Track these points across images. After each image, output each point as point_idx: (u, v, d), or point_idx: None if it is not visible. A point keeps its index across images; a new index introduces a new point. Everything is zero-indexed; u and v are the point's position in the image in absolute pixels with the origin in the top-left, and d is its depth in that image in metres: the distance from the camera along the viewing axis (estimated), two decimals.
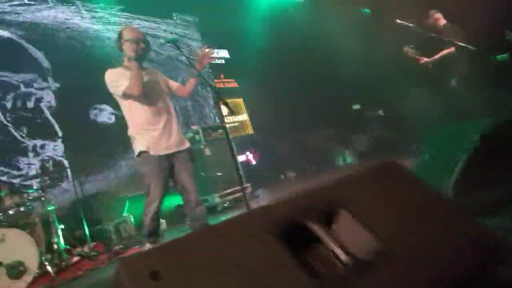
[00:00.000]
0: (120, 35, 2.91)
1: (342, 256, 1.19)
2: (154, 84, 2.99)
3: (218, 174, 5.66)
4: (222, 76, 9.21)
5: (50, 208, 4.47)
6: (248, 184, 5.92)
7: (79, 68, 6.13)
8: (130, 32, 2.90)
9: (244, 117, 9.33)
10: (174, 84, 3.22)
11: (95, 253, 4.58)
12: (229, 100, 8.59)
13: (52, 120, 6.12)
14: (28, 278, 3.64)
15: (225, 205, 5.64)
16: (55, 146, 5.97)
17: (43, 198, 4.42)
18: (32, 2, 6.52)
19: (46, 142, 5.96)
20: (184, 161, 2.99)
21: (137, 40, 2.86)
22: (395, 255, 1.15)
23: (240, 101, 9.32)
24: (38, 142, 5.91)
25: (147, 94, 2.88)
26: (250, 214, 1.33)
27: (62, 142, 5.81)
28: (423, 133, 3.79)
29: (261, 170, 8.57)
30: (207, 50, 3.10)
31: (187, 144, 3.08)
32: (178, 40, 3.14)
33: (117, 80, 2.83)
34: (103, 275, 3.72)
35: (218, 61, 9.35)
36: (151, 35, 7.97)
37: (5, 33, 6.06)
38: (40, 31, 6.48)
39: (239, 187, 4.36)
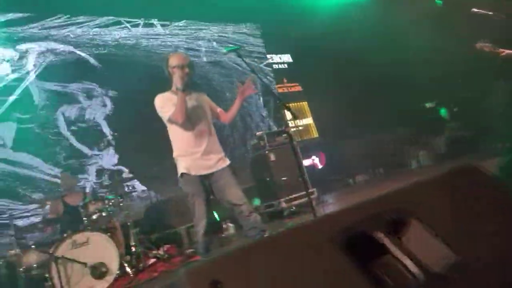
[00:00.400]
0: (166, 61, 3.09)
1: (413, 269, 1.10)
2: (198, 109, 3.11)
3: (283, 179, 5.64)
4: (285, 80, 9.21)
5: (128, 213, 4.78)
6: (314, 189, 5.82)
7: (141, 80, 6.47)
8: (175, 59, 3.06)
9: (308, 120, 9.23)
10: (217, 109, 3.30)
11: (169, 256, 4.80)
12: (292, 104, 8.69)
13: (108, 131, 6.56)
14: (110, 278, 3.91)
15: (291, 210, 5.60)
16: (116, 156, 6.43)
17: (121, 204, 4.74)
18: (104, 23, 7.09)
19: (110, 152, 6.44)
20: (226, 176, 3.06)
21: (182, 66, 3.02)
22: (471, 269, 1.04)
23: (304, 104, 9.24)
24: (108, 152, 6.42)
25: (191, 119, 3.02)
26: (313, 222, 1.28)
27: (118, 152, 6.18)
28: (508, 131, 3.43)
29: (328, 174, 8.40)
30: (250, 81, 3.15)
31: (227, 162, 3.16)
32: (239, 49, 3.18)
33: (164, 106, 3.01)
34: (177, 277, 3.87)
35: (280, 66, 9.36)
36: (217, 40, 8.24)
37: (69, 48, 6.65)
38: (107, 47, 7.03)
39: (304, 192, 4.32)
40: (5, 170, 5.60)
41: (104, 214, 4.44)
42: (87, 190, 5.56)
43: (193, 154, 2.98)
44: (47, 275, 3.77)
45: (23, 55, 6.21)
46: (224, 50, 3.23)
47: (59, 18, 6.67)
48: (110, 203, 4.61)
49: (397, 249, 1.16)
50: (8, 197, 5.52)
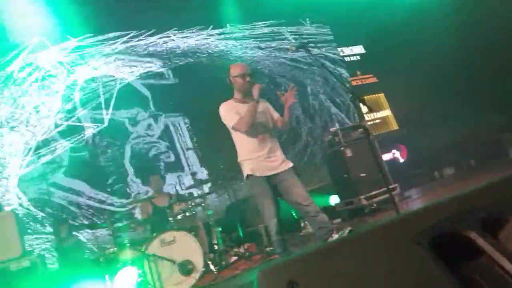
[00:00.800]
0: (228, 71, 3.21)
1: None
2: (260, 115, 3.15)
3: (362, 175, 5.43)
4: (358, 72, 8.89)
5: (209, 212, 4.98)
6: (396, 185, 5.53)
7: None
8: (237, 69, 3.17)
9: (386, 112, 8.80)
10: (275, 115, 3.30)
11: (249, 254, 4.91)
12: (368, 97, 8.35)
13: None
14: (196, 275, 4.11)
15: (372, 207, 5.38)
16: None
17: (203, 204, 4.96)
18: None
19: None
20: (290, 177, 3.08)
21: (243, 75, 3.12)
22: None
23: (380, 96, 8.84)
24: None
25: (254, 125, 3.07)
26: (396, 220, 1.21)
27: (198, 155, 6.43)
28: None
29: (411, 168, 7.92)
30: (291, 90, 3.10)
31: (290, 164, 3.17)
32: (307, 44, 3.16)
33: (227, 114, 3.12)
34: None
35: (352, 58, 9.06)
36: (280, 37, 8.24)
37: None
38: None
39: (385, 188, 4.13)
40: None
41: (187, 214, 4.68)
42: (172, 192, 5.89)
43: (257, 157, 3.06)
44: (140, 272, 4.09)
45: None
46: (292, 48, 3.22)
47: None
48: (193, 204, 4.85)
49: (494, 250, 1.04)
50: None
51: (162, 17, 7.10)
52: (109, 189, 6.22)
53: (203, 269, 4.17)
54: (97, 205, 6.05)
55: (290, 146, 7.53)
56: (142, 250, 4.10)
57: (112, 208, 6.05)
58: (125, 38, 6.92)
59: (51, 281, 4.32)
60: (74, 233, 5.50)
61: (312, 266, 0.94)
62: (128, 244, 4.36)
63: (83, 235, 5.73)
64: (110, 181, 6.26)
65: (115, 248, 4.41)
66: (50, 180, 5.89)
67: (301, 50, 3.14)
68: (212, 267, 4.39)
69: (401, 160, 8.10)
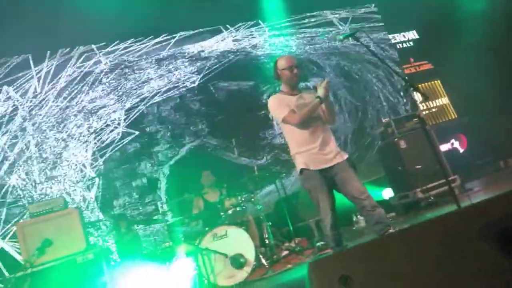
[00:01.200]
0: (275, 65, 3.16)
1: None
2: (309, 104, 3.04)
3: (418, 167, 5.18)
4: (412, 60, 8.46)
5: (259, 207, 5.01)
6: (456, 176, 5.21)
7: None
8: (285, 61, 3.10)
9: (443, 100, 8.33)
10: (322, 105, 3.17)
11: (301, 248, 4.88)
12: (423, 85, 7.95)
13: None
14: (248, 268, 4.16)
15: (429, 200, 5.11)
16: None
17: (253, 199, 4.99)
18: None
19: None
20: (346, 170, 2.95)
21: (291, 67, 3.05)
22: None
23: (436, 83, 8.37)
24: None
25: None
26: (457, 213, 1.13)
27: None
28: None
29: (473, 158, 7.43)
30: (325, 83, 2.96)
31: (345, 156, 3.04)
32: (357, 32, 3.03)
33: (277, 107, 3.06)
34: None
35: (405, 45, 8.65)
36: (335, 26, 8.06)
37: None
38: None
39: (444, 180, 3.90)
40: None
41: (238, 209, 4.74)
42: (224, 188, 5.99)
43: (309, 150, 2.97)
44: (195, 265, 4.21)
45: None
46: (340, 37, 3.10)
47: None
48: (243, 199, 4.90)
49: None
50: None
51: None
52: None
53: (255, 262, 4.21)
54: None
55: (342, 139, 7.38)
56: (196, 244, 4.22)
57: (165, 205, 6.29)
58: None
59: (112, 272, 4.58)
60: (132, 227, 5.77)
61: (365, 260, 0.91)
62: (183, 239, 4.51)
63: (141, 230, 6.00)
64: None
65: (171, 242, 4.58)
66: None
67: (351, 38, 3.00)
68: (263, 261, 4.42)
69: (461, 151, 7.63)
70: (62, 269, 3.83)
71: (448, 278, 0.91)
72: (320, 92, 2.91)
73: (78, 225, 4.08)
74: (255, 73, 7.34)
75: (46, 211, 4.11)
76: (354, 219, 5.21)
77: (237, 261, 4.15)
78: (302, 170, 2.98)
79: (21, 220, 5.38)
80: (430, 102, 8.13)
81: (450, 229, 0.99)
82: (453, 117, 8.26)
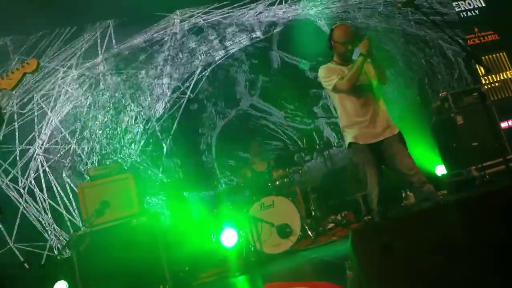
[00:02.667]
0: (331, 34, 3.04)
1: None
2: (362, 77, 2.95)
3: (474, 144, 4.93)
4: (476, 29, 7.87)
5: (307, 179, 5.05)
6: None
7: None
8: (341, 35, 2.98)
9: (508, 74, 7.73)
10: (372, 71, 3.05)
11: (347, 221, 4.90)
12: (487, 57, 7.41)
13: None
14: (293, 238, 4.28)
15: (484, 179, 4.87)
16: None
17: (300, 171, 5.05)
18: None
19: None
20: (395, 145, 2.87)
21: (344, 43, 2.95)
22: None
23: (502, 55, 7.76)
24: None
25: (355, 86, 2.90)
26: (501, 191, 1.11)
27: None
28: None
29: None
30: (366, 40, 2.84)
31: (396, 130, 2.95)
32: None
33: (328, 76, 2.99)
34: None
35: (470, 14, 8.03)
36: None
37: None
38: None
39: (502, 159, 3.71)
40: None
41: (285, 180, 4.81)
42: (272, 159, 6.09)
43: (359, 123, 2.94)
44: (241, 232, 4.40)
45: None
46: (399, 5, 2.94)
47: None
48: (291, 171, 4.96)
49: None
50: None
51: None
52: None
53: (301, 233, 4.31)
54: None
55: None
56: (244, 212, 4.38)
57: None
58: None
59: (165, 235, 4.88)
60: (183, 193, 6.07)
61: (406, 230, 0.93)
62: (231, 206, 4.69)
63: (191, 197, 6.30)
64: None
65: (219, 209, 4.79)
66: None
67: (409, 6, 2.84)
68: (309, 232, 4.50)
69: None
70: (118, 230, 4.14)
71: (492, 255, 0.92)
72: (363, 49, 2.82)
73: (134, 189, 4.35)
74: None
75: (105, 175, 4.43)
76: (404, 195, 5.11)
77: (283, 231, 4.27)
78: (350, 144, 2.98)
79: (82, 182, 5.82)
80: (493, 76, 7.58)
81: (498, 204, 0.98)
82: None
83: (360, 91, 2.94)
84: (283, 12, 7.42)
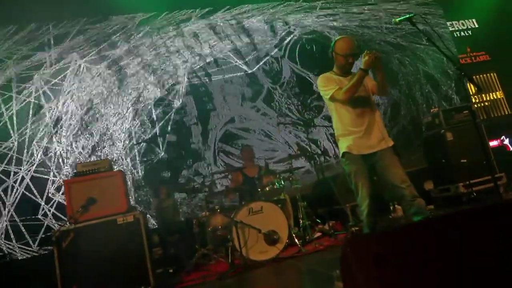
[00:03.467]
0: (333, 45, 3.06)
1: None
2: (360, 87, 2.97)
3: (463, 161, 5.00)
4: (469, 49, 8.02)
5: (297, 187, 5.05)
6: (503, 174, 5.00)
7: None
8: (344, 47, 2.99)
9: (497, 94, 7.88)
10: (370, 83, 3.08)
11: (334, 231, 4.90)
12: (477, 76, 7.55)
13: None
14: (280, 245, 4.25)
15: (471, 196, 4.95)
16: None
17: (291, 178, 5.04)
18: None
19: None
20: (389, 157, 2.89)
21: (346, 55, 2.97)
22: None
23: (492, 76, 7.92)
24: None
25: (352, 98, 2.92)
26: (499, 205, 1.12)
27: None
28: None
29: None
30: (372, 54, 2.82)
31: (390, 143, 2.97)
32: (413, 16, 2.90)
33: (326, 85, 3.03)
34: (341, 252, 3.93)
35: (463, 34, 8.19)
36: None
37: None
38: None
39: (489, 177, 3.76)
40: None
41: (275, 186, 4.81)
42: (261, 164, 6.08)
43: (354, 133, 2.95)
44: (229, 236, 4.36)
45: None
46: (396, 20, 2.98)
47: None
48: (281, 177, 4.96)
49: None
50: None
51: None
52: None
53: (288, 241, 4.29)
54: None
55: (386, 126, 7.23)
56: (231, 216, 4.35)
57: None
58: None
59: (151, 235, 4.82)
60: (171, 195, 6.01)
61: (400, 241, 0.93)
62: (219, 210, 4.66)
63: (179, 199, 6.25)
64: None
65: (207, 213, 4.75)
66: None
67: (406, 22, 2.88)
68: (296, 240, 4.49)
69: (511, 149, 7.24)
70: (103, 228, 4.08)
71: (486, 271, 0.92)
72: (365, 64, 2.79)
73: (122, 186, 4.29)
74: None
75: (93, 171, 4.36)
76: (392, 207, 5.15)
77: (270, 238, 4.24)
78: (344, 154, 2.98)
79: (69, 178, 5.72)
80: (483, 95, 7.73)
81: (491, 221, 0.99)
82: (507, 113, 7.82)
83: (357, 102, 2.96)
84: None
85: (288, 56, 7.35)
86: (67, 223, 4.10)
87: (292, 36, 7.39)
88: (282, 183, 4.93)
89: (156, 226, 5.85)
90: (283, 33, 7.40)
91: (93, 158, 6.12)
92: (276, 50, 7.30)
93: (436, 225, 0.99)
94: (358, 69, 2.90)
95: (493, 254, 0.90)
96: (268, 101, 7.03)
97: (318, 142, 6.87)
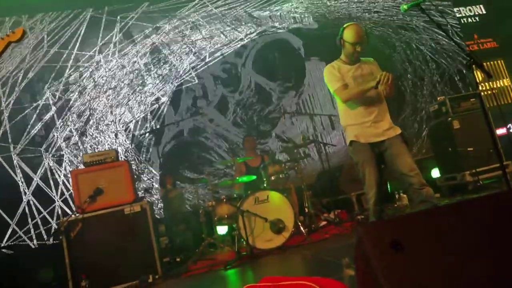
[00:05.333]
0: (341, 33, 3.02)
1: None
2: (367, 75, 2.97)
3: (469, 149, 4.97)
4: (476, 36, 7.92)
5: (301, 176, 5.05)
6: (510, 162, 4.96)
7: None
8: (352, 35, 2.95)
9: (505, 82, 7.80)
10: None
11: (339, 220, 4.92)
12: (485, 64, 7.44)
13: None
14: (286, 234, 4.27)
15: (478, 184, 4.92)
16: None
17: (296, 168, 5.04)
18: None
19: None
20: (397, 145, 2.87)
21: (354, 43, 2.93)
22: None
23: (500, 63, 7.83)
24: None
25: (360, 86, 2.91)
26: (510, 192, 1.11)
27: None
28: None
29: None
30: (386, 76, 2.78)
31: (398, 131, 2.96)
32: (422, 2, 2.84)
33: (331, 78, 3.02)
34: (347, 240, 3.95)
35: (470, 20, 8.08)
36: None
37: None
38: None
39: (497, 165, 3.74)
40: None
41: (281, 176, 4.81)
42: (268, 153, 6.08)
43: (362, 123, 2.94)
44: (234, 225, 4.38)
45: None
46: (404, 7, 2.92)
47: None
48: (287, 166, 4.95)
49: None
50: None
51: None
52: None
53: (293, 229, 4.30)
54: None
55: (393, 115, 7.19)
56: (237, 205, 4.36)
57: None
58: None
59: (158, 224, 4.86)
60: (178, 185, 6.04)
61: (416, 227, 0.93)
62: (225, 200, 4.67)
63: (186, 189, 6.27)
64: None
65: (213, 202, 4.76)
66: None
67: (414, 8, 2.82)
68: (302, 228, 4.50)
69: None
70: (110, 218, 4.11)
71: (498, 257, 0.91)
72: (381, 88, 2.84)
73: (128, 177, 4.32)
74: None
75: (99, 162, 4.38)
76: (397, 196, 5.14)
77: (276, 226, 4.26)
78: (351, 142, 2.97)
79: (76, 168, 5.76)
80: (490, 83, 7.65)
81: (503, 206, 0.98)
82: None
83: (366, 96, 2.94)
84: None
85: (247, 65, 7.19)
86: (75, 213, 4.13)
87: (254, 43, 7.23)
88: (288, 172, 4.93)
89: (163, 216, 5.88)
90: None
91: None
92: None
93: (451, 211, 0.98)
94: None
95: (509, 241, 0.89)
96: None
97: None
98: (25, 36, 2.47)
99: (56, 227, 5.66)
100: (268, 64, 7.19)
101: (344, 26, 3.04)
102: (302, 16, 7.46)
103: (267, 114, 7.01)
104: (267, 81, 7.15)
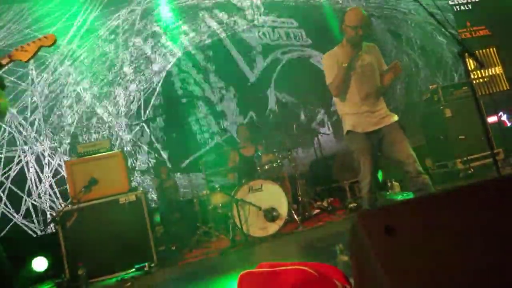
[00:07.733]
0: (343, 17, 2.96)
1: None
2: (367, 66, 2.95)
3: (461, 137, 5.04)
4: (469, 24, 7.94)
5: (294, 165, 5.08)
6: (500, 150, 5.05)
7: None
8: (352, 19, 2.89)
9: (496, 70, 7.86)
10: (382, 66, 3.05)
11: (333, 208, 4.98)
12: (477, 52, 7.50)
13: None
14: (280, 222, 4.32)
15: (469, 172, 5.01)
16: None
17: (289, 157, 5.07)
18: None
19: None
20: (394, 132, 2.88)
21: (356, 27, 2.85)
22: None
23: (492, 51, 7.87)
24: None
25: (360, 79, 2.92)
26: (503, 179, 1.14)
27: None
28: None
29: None
30: (397, 65, 2.86)
31: (395, 118, 2.96)
32: None
33: (328, 68, 3.00)
34: (340, 228, 4.02)
35: (463, 8, 8.09)
36: None
37: None
38: None
39: (488, 153, 3.80)
40: None
41: (274, 165, 4.83)
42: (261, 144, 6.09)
43: (359, 113, 2.95)
44: (229, 214, 4.42)
45: None
46: None
47: None
48: (280, 156, 4.98)
49: None
50: None
51: None
52: None
53: (287, 217, 4.35)
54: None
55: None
56: (231, 194, 4.39)
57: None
58: None
59: (152, 213, 4.88)
60: (172, 175, 6.05)
61: (410, 214, 0.95)
62: (219, 189, 4.70)
63: (180, 178, 6.28)
64: None
65: (208, 191, 4.79)
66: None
67: None
68: (295, 216, 4.55)
69: (509, 124, 7.28)
70: (105, 208, 4.13)
71: (488, 238, 0.94)
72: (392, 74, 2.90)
73: (123, 167, 4.32)
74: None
75: (93, 152, 4.37)
76: (389, 184, 5.21)
77: (270, 214, 4.31)
78: (348, 132, 2.99)
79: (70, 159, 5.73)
80: (482, 71, 7.71)
81: (494, 193, 1.01)
82: (505, 88, 7.82)
83: (363, 81, 2.94)
84: None
85: None
86: (70, 203, 4.14)
87: None
88: (281, 161, 4.95)
89: (157, 205, 5.90)
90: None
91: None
92: None
93: (446, 198, 1.01)
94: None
95: (502, 228, 0.92)
96: None
97: None
98: (56, 43, 2.46)
99: (50, 217, 5.66)
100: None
101: (345, 11, 3.00)
102: None
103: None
104: None
